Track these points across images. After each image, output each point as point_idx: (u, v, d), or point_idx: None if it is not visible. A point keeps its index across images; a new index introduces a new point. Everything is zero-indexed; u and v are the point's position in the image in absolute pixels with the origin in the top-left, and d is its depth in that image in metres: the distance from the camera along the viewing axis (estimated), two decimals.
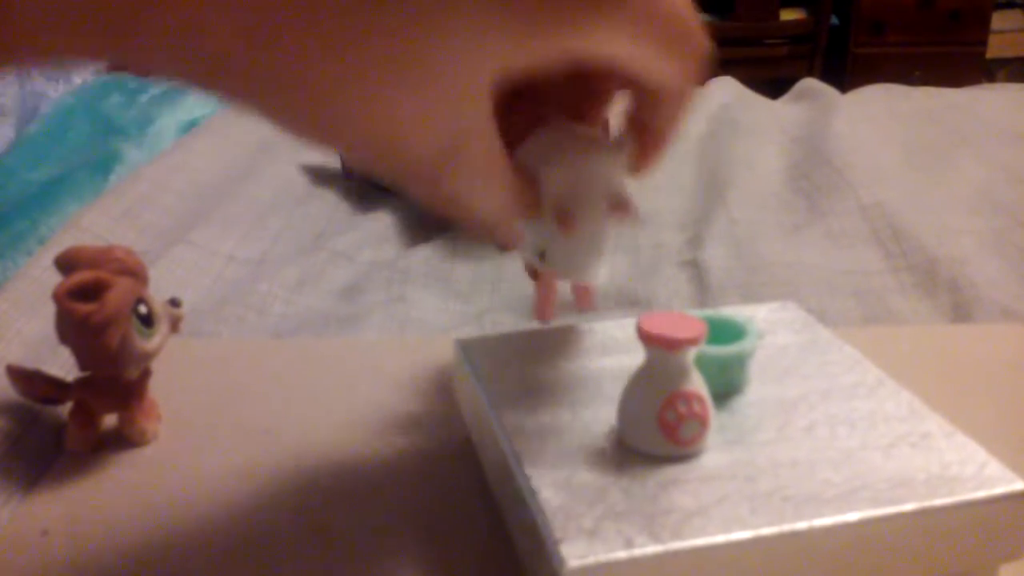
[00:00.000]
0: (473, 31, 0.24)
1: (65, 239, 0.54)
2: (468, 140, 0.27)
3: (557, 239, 0.34)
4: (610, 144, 0.34)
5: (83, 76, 0.79)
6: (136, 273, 0.38)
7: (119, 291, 0.37)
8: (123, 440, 0.39)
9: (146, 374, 0.39)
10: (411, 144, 0.26)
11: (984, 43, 2.61)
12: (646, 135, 0.32)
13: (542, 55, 0.26)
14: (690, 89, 0.30)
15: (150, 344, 0.38)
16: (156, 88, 0.80)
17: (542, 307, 0.40)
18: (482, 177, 0.29)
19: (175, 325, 0.39)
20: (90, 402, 0.39)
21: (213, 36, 0.22)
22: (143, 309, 0.37)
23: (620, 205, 0.34)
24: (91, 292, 0.36)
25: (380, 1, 0.23)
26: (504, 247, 0.35)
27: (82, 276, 0.36)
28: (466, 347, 0.37)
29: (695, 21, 0.28)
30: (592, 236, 0.35)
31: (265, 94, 0.24)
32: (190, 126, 0.80)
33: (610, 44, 0.27)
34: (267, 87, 0.24)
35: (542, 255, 0.35)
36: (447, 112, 0.26)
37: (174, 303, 0.39)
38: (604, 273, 0.37)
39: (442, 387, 0.42)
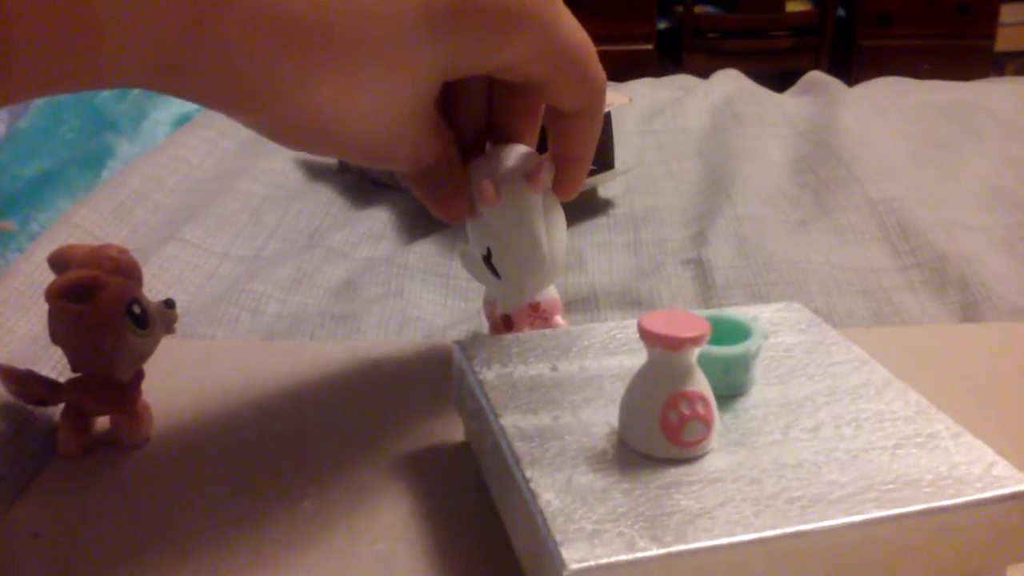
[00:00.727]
0: (412, 50, 0.31)
1: (56, 236, 0.54)
2: (407, 131, 0.34)
3: (499, 235, 0.39)
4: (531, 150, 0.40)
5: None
6: (130, 273, 0.38)
7: (112, 291, 0.36)
8: (116, 442, 0.39)
9: (139, 376, 0.39)
10: (361, 138, 0.34)
11: (992, 36, 2.61)
12: (564, 160, 0.39)
13: (470, 68, 0.33)
14: (595, 114, 0.37)
15: (144, 345, 0.37)
16: None
17: None
18: (417, 157, 0.37)
19: (169, 326, 0.39)
20: (82, 404, 0.38)
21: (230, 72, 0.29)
22: (137, 309, 0.37)
23: (532, 173, 0.38)
24: (84, 292, 0.36)
25: (334, 39, 0.29)
26: (446, 219, 0.40)
27: (75, 275, 0.36)
28: (465, 348, 0.37)
29: (594, 56, 0.35)
30: (530, 231, 0.39)
31: (239, 110, 0.31)
32: (183, 120, 0.80)
33: (525, 66, 0.34)
34: (240, 104, 0.31)
35: (488, 255, 0.39)
36: (390, 113, 0.33)
37: (168, 304, 0.39)
38: (553, 289, 0.41)
39: (440, 389, 0.42)
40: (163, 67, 0.28)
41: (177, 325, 0.39)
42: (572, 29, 0.35)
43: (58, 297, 0.35)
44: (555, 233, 0.40)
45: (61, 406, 0.38)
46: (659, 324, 0.30)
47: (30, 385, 0.38)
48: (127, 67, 0.27)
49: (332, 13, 0.29)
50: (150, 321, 0.38)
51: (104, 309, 0.36)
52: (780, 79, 1.16)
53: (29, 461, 0.38)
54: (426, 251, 0.58)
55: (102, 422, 0.39)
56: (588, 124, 0.38)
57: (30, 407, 0.40)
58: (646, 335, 0.30)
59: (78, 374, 0.38)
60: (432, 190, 0.39)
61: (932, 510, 0.28)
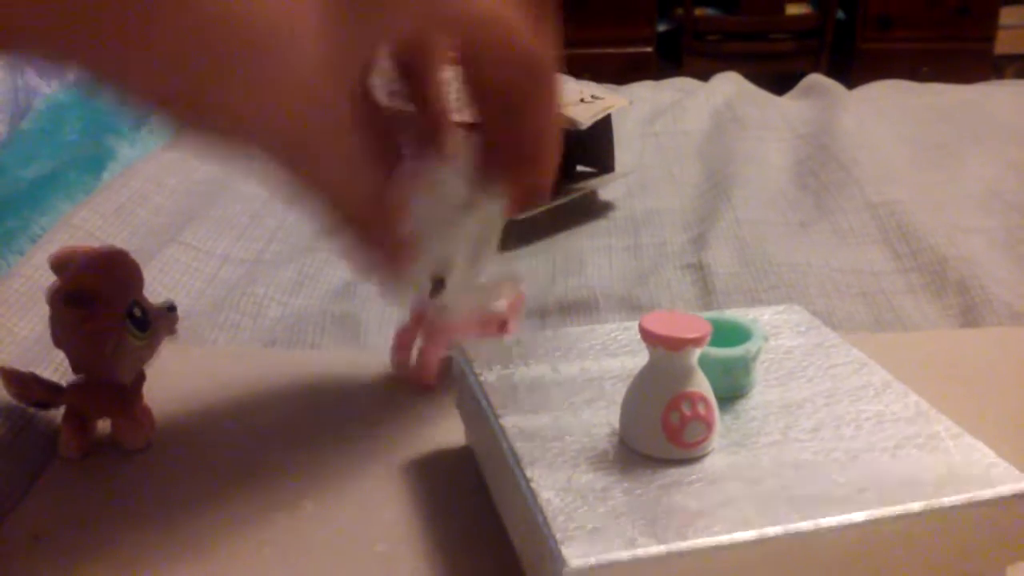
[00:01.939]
0: (303, 44, 0.27)
1: (57, 238, 0.54)
2: (315, 134, 0.30)
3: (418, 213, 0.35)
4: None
5: (77, 73, 0.78)
6: (131, 275, 0.38)
7: (113, 294, 0.36)
8: (116, 445, 0.39)
9: (140, 378, 0.39)
10: (263, 136, 0.30)
11: (992, 39, 2.61)
12: (513, 162, 0.34)
13: (376, 44, 0.30)
14: (534, 97, 0.32)
15: (144, 348, 0.37)
16: None
17: (423, 366, 0.43)
18: (329, 167, 0.32)
19: (171, 329, 0.39)
20: (83, 407, 0.38)
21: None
22: (138, 312, 0.37)
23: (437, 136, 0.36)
24: (85, 295, 0.36)
25: (229, 37, 0.26)
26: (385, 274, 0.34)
27: (76, 278, 0.36)
28: (466, 350, 0.37)
29: (517, 26, 0.30)
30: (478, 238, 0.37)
31: (135, 93, 0.29)
32: None
33: (430, 30, 0.31)
34: (139, 89, 0.29)
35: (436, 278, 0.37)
36: (287, 111, 0.29)
37: (170, 307, 0.39)
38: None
39: (441, 390, 0.42)
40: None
41: (178, 327, 0.39)
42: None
43: (59, 300, 0.35)
44: (465, 233, 0.37)
45: (62, 409, 0.38)
46: (660, 325, 0.30)
47: (31, 388, 0.38)
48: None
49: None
50: (151, 324, 0.38)
51: (105, 312, 0.36)
52: (780, 82, 1.15)
53: (30, 464, 0.38)
54: None
55: (103, 425, 0.39)
56: (531, 111, 0.33)
57: (31, 410, 0.40)
58: (647, 336, 0.30)
59: (79, 377, 0.38)
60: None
61: (932, 510, 0.28)
